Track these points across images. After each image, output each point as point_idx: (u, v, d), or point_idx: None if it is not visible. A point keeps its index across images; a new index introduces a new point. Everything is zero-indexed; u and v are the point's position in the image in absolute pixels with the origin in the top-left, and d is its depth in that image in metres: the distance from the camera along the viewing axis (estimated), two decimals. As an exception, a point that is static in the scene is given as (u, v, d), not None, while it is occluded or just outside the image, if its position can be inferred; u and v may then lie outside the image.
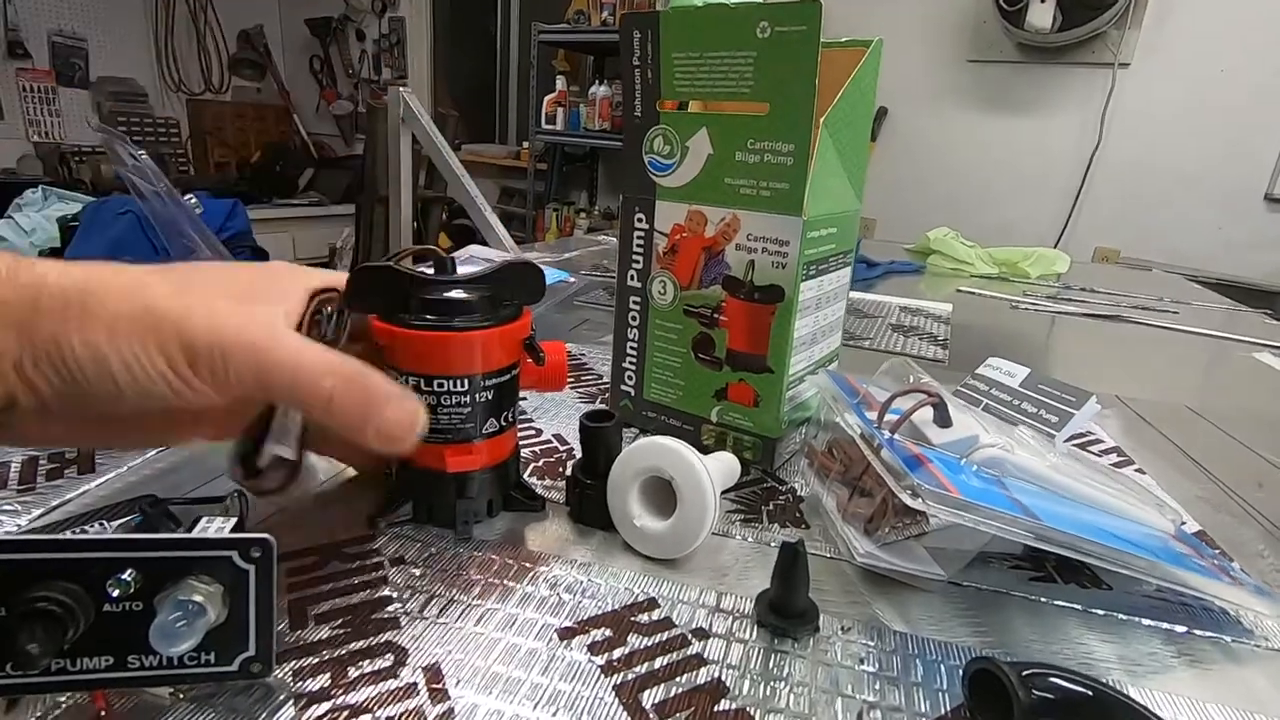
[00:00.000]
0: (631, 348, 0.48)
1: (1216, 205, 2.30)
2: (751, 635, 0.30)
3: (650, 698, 0.26)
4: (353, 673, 0.26)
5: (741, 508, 0.40)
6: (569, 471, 0.38)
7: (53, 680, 0.23)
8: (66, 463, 0.40)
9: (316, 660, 0.27)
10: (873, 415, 0.38)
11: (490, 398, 0.33)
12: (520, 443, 0.40)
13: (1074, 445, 0.52)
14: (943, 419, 0.37)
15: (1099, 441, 0.54)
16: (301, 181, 3.91)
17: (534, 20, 3.16)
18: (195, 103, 4.16)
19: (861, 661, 0.29)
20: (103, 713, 0.24)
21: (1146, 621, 0.33)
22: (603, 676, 0.27)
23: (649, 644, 0.29)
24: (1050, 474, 0.35)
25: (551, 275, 0.94)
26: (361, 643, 0.28)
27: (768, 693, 0.27)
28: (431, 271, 0.33)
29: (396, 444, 0.26)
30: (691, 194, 0.43)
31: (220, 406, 0.25)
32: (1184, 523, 0.40)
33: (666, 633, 0.30)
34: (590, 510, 0.37)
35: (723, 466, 0.40)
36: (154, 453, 0.42)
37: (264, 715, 0.24)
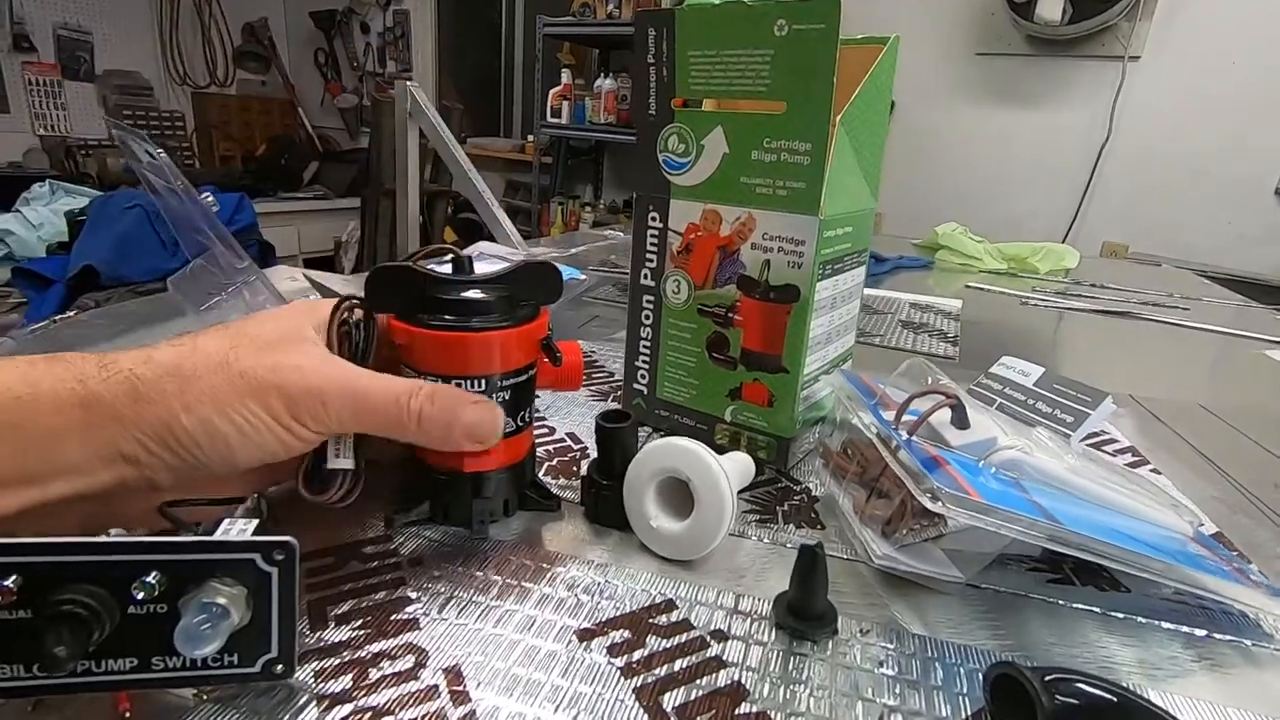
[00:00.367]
0: (645, 346, 0.48)
1: (1227, 199, 2.28)
2: (770, 637, 0.30)
3: (671, 700, 0.26)
4: (374, 674, 0.26)
5: (756, 508, 0.40)
6: (583, 471, 0.38)
7: (78, 681, 0.23)
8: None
9: (338, 662, 0.27)
10: (889, 416, 0.38)
11: (508, 398, 0.33)
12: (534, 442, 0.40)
13: (1089, 445, 0.52)
14: (961, 420, 0.37)
15: (1114, 441, 0.54)
16: (306, 175, 3.91)
17: (539, 13, 3.14)
18: (200, 96, 4.16)
19: (881, 665, 0.29)
20: (126, 714, 0.24)
21: (1166, 625, 0.33)
22: (623, 679, 0.27)
23: (668, 646, 0.29)
24: (1069, 476, 0.35)
25: (565, 273, 0.94)
26: (382, 644, 0.28)
27: (788, 696, 0.27)
28: (449, 270, 0.33)
29: (483, 441, 0.30)
30: (706, 193, 0.43)
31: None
32: (1201, 524, 0.39)
33: (685, 634, 0.30)
34: (606, 511, 0.37)
35: (738, 467, 0.40)
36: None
37: (286, 717, 0.24)
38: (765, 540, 0.37)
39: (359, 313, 0.32)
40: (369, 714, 0.25)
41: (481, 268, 0.34)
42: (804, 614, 0.30)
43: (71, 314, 0.82)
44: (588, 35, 3.14)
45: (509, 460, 0.35)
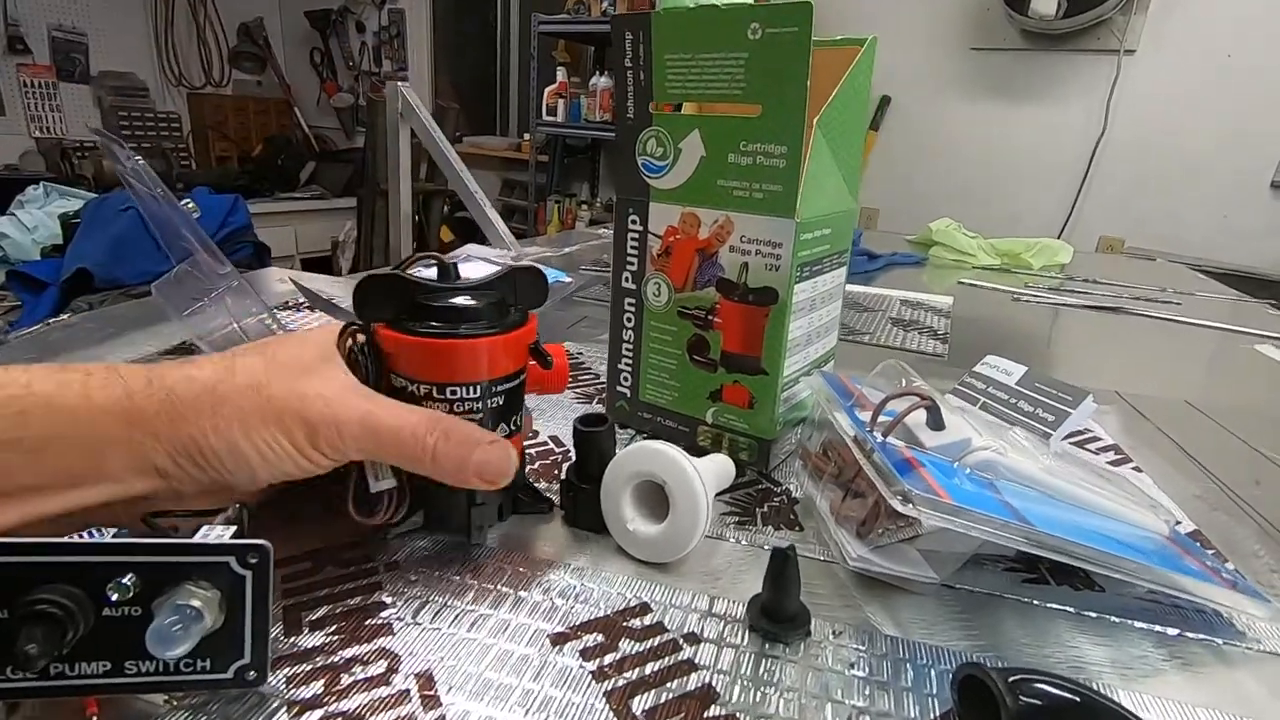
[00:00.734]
0: (627, 349, 0.48)
1: (1223, 193, 2.27)
2: (743, 640, 0.30)
3: (640, 704, 0.26)
4: (345, 679, 0.27)
5: (736, 510, 0.40)
6: (564, 474, 0.38)
7: (52, 685, 0.23)
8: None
9: (310, 667, 0.27)
10: (866, 417, 0.38)
11: (500, 404, 0.33)
12: (515, 446, 0.40)
13: (1072, 443, 0.52)
14: (936, 422, 0.37)
15: (1097, 439, 0.54)
16: (303, 175, 3.90)
17: (534, 11, 3.13)
18: (196, 96, 4.15)
19: (852, 666, 0.29)
20: (94, 718, 0.24)
21: (1139, 624, 0.33)
22: (594, 683, 0.27)
23: (640, 649, 0.29)
24: (1043, 477, 0.35)
25: (550, 276, 0.94)
26: (355, 649, 0.28)
27: (758, 699, 0.27)
28: (433, 276, 0.33)
29: (494, 482, 0.30)
30: (685, 196, 0.43)
31: None
32: (1178, 523, 0.40)
33: (658, 638, 0.30)
34: (584, 514, 0.37)
35: (716, 469, 0.40)
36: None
37: (258, 723, 0.25)
38: (744, 542, 0.37)
39: (362, 337, 0.32)
40: (339, 719, 0.25)
41: (470, 270, 0.34)
42: (776, 616, 0.30)
43: (65, 317, 0.82)
44: (583, 33, 3.14)
45: None
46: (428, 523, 0.36)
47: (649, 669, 0.28)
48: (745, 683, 0.28)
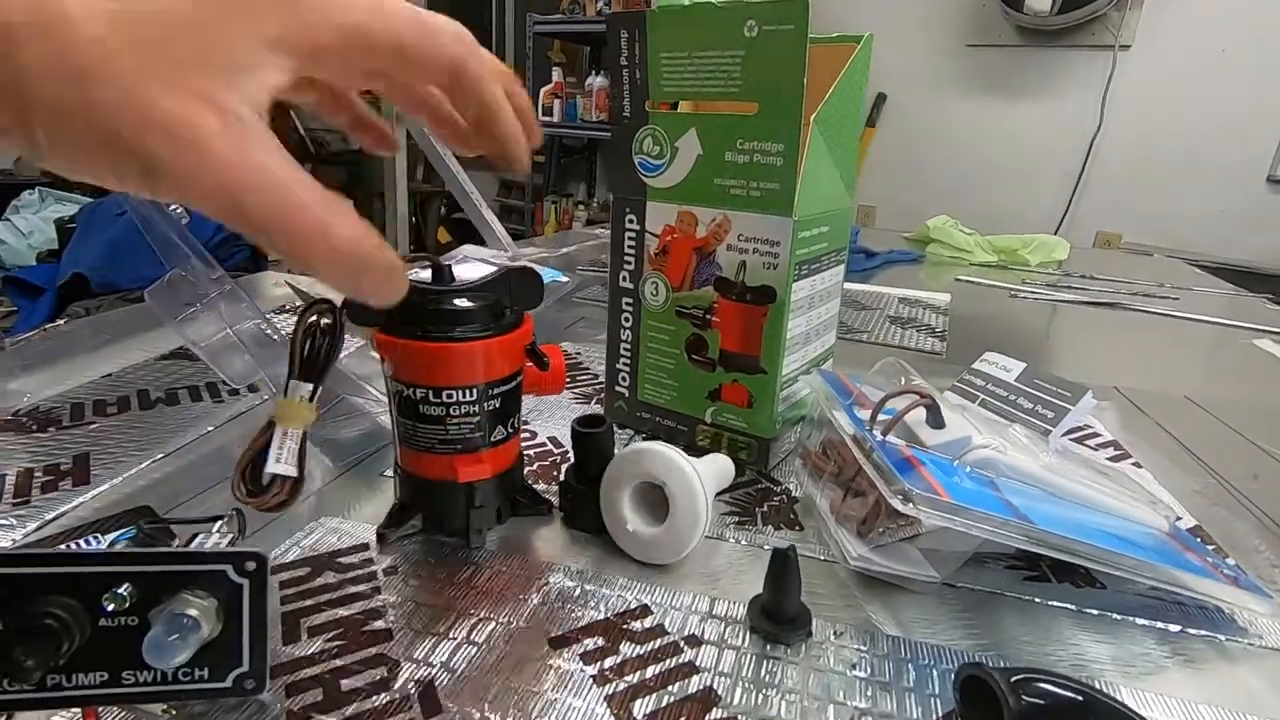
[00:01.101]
0: (625, 349, 0.48)
1: (1219, 187, 2.28)
2: (744, 641, 0.30)
3: (642, 708, 0.26)
4: (345, 686, 0.26)
5: (736, 510, 0.40)
6: (563, 476, 0.38)
7: (49, 696, 0.23)
8: (61, 475, 0.40)
9: (309, 675, 0.27)
10: (865, 415, 0.38)
11: (497, 406, 0.33)
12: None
13: (1071, 439, 0.52)
14: (936, 420, 0.37)
15: (1096, 435, 0.54)
16: (300, 177, 3.89)
17: (529, 11, 3.13)
18: (191, 99, 4.14)
19: (854, 667, 0.29)
20: (93, 730, 0.24)
21: (1140, 621, 0.33)
22: (594, 686, 0.27)
23: (641, 652, 0.29)
24: (1043, 474, 0.35)
25: (547, 276, 0.94)
26: (354, 656, 0.28)
27: (759, 701, 0.27)
28: (428, 278, 0.32)
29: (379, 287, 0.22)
30: (682, 195, 0.43)
31: None
32: (1179, 519, 0.39)
33: (659, 640, 0.30)
34: (583, 516, 0.37)
35: (716, 469, 0.40)
36: (148, 463, 0.42)
37: (257, 731, 0.24)
38: (744, 542, 0.37)
39: (326, 320, 0.32)
40: (339, 727, 0.25)
41: (466, 272, 0.34)
42: (777, 617, 0.30)
43: (61, 323, 0.82)
44: (578, 33, 3.13)
45: (501, 468, 0.35)
46: (426, 526, 0.36)
47: (650, 672, 0.28)
48: (747, 685, 0.28)
